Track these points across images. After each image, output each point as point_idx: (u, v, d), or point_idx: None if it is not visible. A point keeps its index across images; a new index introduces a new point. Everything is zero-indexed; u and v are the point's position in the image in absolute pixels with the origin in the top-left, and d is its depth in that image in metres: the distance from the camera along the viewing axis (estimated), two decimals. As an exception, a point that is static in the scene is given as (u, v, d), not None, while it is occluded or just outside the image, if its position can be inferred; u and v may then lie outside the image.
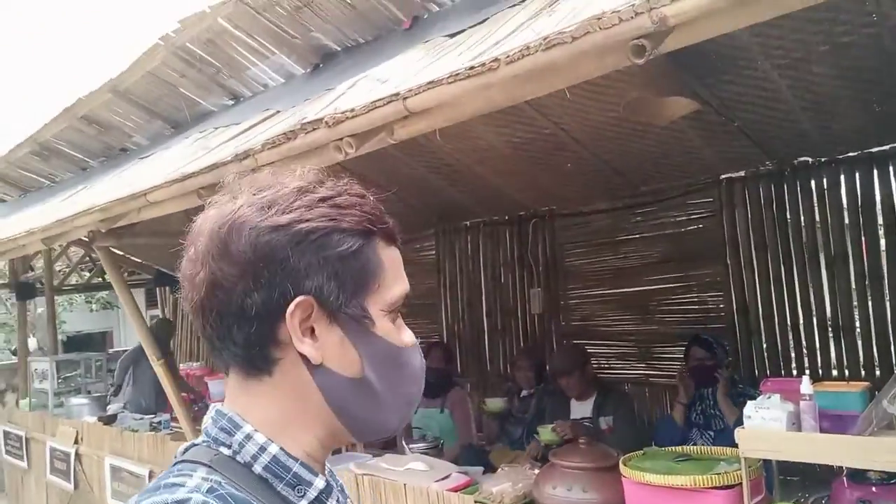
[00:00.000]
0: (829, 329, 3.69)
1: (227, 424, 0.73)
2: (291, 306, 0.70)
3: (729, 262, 4.05)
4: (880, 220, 3.60)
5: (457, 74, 1.45)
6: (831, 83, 3.02)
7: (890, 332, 3.53)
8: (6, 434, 6.08)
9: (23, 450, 5.70)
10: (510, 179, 4.68)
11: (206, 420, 0.76)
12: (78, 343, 12.23)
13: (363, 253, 0.73)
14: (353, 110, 1.66)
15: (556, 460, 2.33)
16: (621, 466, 2.11)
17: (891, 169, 3.53)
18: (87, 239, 3.50)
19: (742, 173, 4.02)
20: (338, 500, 0.78)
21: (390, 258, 0.76)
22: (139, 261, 7.85)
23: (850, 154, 3.64)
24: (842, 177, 3.67)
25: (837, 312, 3.67)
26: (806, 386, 1.84)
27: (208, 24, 3.75)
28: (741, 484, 1.92)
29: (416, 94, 1.56)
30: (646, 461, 2.15)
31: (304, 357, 0.72)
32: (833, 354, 3.69)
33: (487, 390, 5.15)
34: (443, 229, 5.60)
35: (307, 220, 0.70)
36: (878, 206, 3.60)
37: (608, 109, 3.46)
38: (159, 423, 4.54)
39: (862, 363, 3.59)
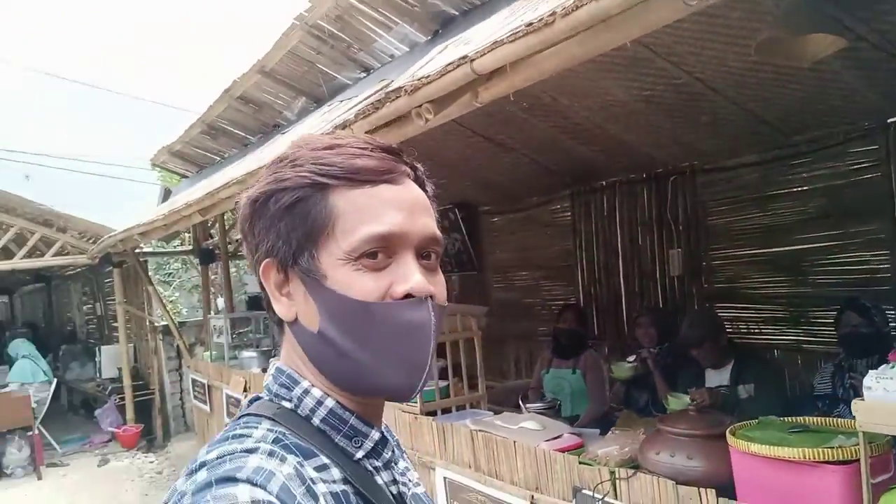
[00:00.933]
0: None
1: (287, 380, 0.76)
2: (260, 270, 0.75)
3: (896, 216, 3.58)
4: None
5: (516, 32, 1.42)
6: None
7: None
8: (194, 381, 6.96)
9: (206, 395, 6.49)
10: (645, 135, 4.45)
11: (268, 376, 0.79)
12: (259, 302, 13.52)
13: (303, 205, 0.72)
14: (427, 77, 1.68)
15: (662, 426, 2.25)
16: (728, 436, 2.00)
17: None
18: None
19: (914, 115, 3.52)
20: (393, 453, 0.80)
21: (352, 202, 0.72)
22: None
23: None
24: None
25: None
26: (940, 356, 1.62)
27: (335, 0, 3.92)
28: (859, 460, 1.74)
29: (482, 56, 1.54)
30: (757, 431, 2.01)
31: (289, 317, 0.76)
32: None
33: (625, 354, 5.02)
34: (578, 190, 5.47)
35: (258, 189, 0.75)
36: None
37: (745, 54, 3.17)
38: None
39: None
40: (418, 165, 0.80)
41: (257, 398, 0.78)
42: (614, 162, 4.95)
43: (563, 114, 4.34)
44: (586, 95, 4.04)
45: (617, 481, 2.23)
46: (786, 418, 2.11)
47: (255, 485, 0.60)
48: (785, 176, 4.08)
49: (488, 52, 1.51)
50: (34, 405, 7.43)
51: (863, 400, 1.72)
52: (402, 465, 0.85)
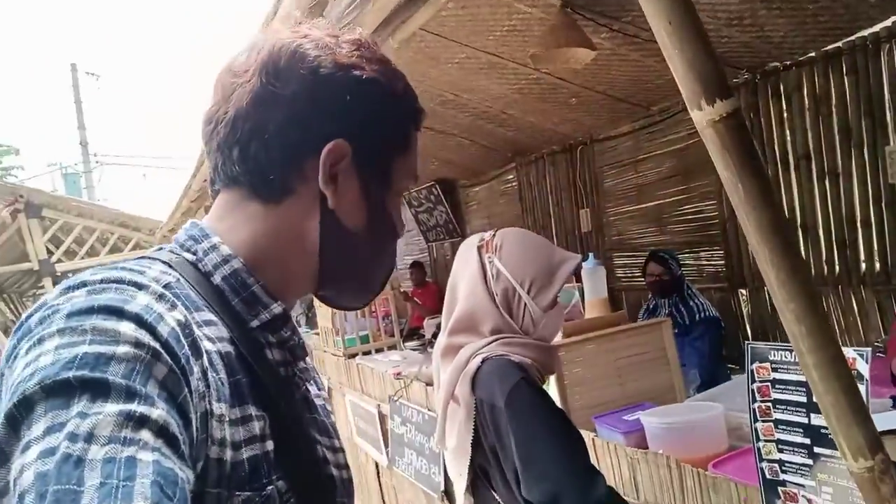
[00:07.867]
0: (798, 228, 3.84)
1: (198, 233, 0.71)
2: (330, 145, 0.70)
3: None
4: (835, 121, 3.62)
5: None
6: None
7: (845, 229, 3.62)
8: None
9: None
10: (539, 117, 5.26)
11: (180, 230, 0.74)
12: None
13: (404, 122, 0.76)
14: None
15: (429, 347, 3.26)
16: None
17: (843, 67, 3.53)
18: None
19: (724, 84, 4.17)
20: (293, 336, 0.74)
21: (414, 140, 0.78)
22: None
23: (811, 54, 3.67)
24: (804, 80, 3.73)
25: (804, 210, 3.80)
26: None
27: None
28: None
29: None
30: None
31: (322, 197, 0.71)
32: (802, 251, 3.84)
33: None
34: (520, 162, 6.33)
35: (367, 70, 0.71)
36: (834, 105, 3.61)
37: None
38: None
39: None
40: None
41: (160, 248, 0.72)
42: (532, 138, 5.77)
43: (469, 105, 5.23)
44: (476, 91, 4.92)
45: (404, 390, 3.27)
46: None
47: (143, 325, 0.53)
48: (648, 142, 4.81)
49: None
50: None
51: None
52: (301, 364, 0.79)
